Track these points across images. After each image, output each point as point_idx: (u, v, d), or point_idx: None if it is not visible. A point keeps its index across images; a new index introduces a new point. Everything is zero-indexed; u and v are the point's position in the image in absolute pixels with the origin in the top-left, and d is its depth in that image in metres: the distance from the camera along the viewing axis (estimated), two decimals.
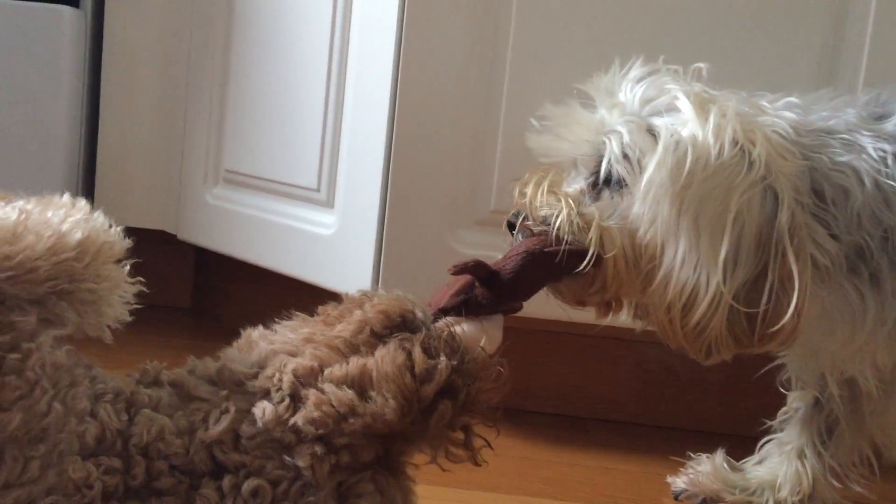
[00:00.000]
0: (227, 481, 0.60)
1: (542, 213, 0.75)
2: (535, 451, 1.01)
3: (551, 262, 0.73)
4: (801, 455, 0.89)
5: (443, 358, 0.64)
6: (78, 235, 0.62)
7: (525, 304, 0.77)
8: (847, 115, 0.75)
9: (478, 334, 0.71)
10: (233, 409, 0.62)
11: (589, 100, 0.79)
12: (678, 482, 0.93)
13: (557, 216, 0.74)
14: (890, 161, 0.71)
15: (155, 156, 1.34)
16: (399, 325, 0.67)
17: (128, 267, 0.71)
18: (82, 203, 0.67)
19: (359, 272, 1.06)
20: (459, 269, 0.72)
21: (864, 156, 0.72)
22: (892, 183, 0.71)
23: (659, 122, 0.73)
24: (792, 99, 0.76)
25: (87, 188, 1.38)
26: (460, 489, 0.85)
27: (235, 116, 1.25)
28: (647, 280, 0.73)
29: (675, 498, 0.92)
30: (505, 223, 0.79)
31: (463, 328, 0.70)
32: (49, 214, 0.64)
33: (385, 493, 0.64)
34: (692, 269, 0.69)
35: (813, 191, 0.72)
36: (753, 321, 0.69)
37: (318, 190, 1.13)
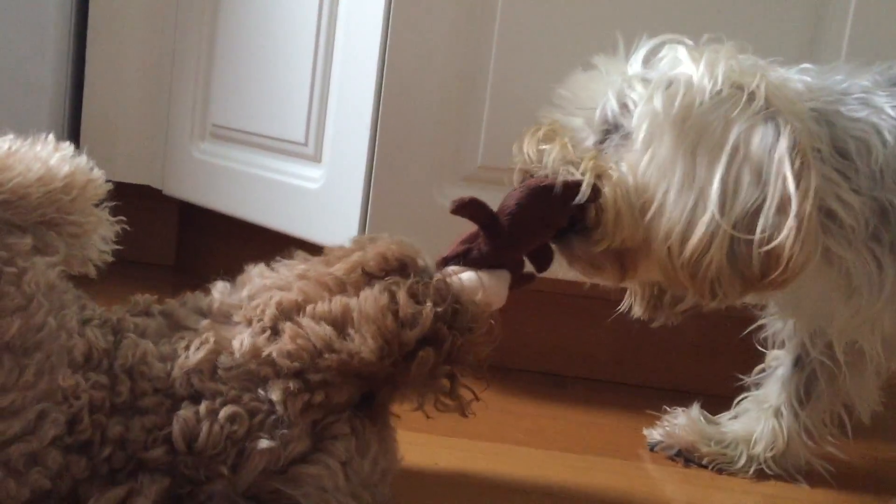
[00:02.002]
0: (203, 407, 0.62)
1: (539, 152, 0.75)
2: (517, 405, 1.02)
3: (549, 196, 0.72)
4: (777, 413, 0.91)
5: (429, 304, 0.65)
6: (66, 169, 0.67)
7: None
8: (861, 80, 0.75)
9: (475, 286, 0.71)
10: (212, 340, 0.64)
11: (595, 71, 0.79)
12: (654, 434, 0.94)
13: (550, 151, 0.74)
14: None
15: (141, 110, 1.34)
16: (395, 269, 0.68)
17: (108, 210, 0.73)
18: (66, 144, 0.71)
19: (345, 226, 1.07)
20: (458, 206, 0.72)
21: (882, 114, 0.72)
22: None
23: (654, 73, 0.74)
24: (806, 65, 0.77)
25: (73, 142, 1.37)
26: (442, 436, 0.86)
27: (223, 70, 1.25)
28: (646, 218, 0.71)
29: (651, 449, 0.94)
30: (515, 179, 0.78)
31: (460, 278, 0.71)
32: (38, 149, 0.66)
33: (360, 437, 0.66)
34: (687, 198, 0.69)
35: (833, 146, 0.71)
36: (754, 250, 0.68)
37: (305, 144, 1.14)
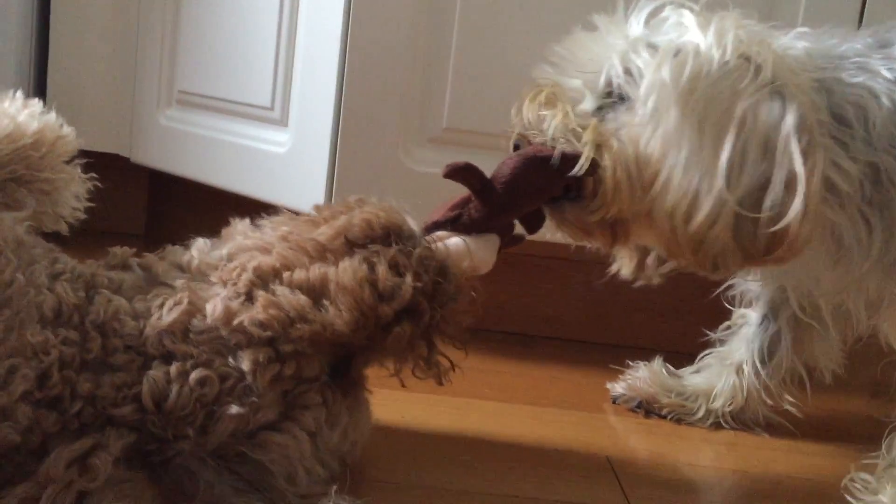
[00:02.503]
0: (174, 368, 0.61)
1: (538, 118, 0.74)
2: (483, 364, 1.04)
3: (546, 166, 0.71)
4: (739, 370, 0.92)
5: (408, 278, 0.64)
6: (34, 125, 0.66)
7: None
8: (855, 43, 0.74)
9: (462, 252, 0.70)
10: (186, 301, 0.63)
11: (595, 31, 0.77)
12: (617, 387, 0.97)
13: (551, 119, 0.73)
14: None
15: (107, 78, 1.33)
16: (380, 237, 0.66)
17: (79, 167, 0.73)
18: (35, 101, 0.70)
19: (312, 189, 1.08)
20: (451, 170, 0.70)
21: (878, 78, 0.71)
22: None
23: (661, 38, 0.72)
24: (802, 29, 0.76)
25: None
26: (407, 392, 0.87)
27: (189, 36, 1.24)
28: (648, 192, 0.71)
29: (614, 402, 0.96)
30: (511, 144, 0.77)
31: (446, 245, 0.69)
32: (6, 105, 0.66)
33: (331, 408, 0.66)
34: (694, 173, 0.68)
35: (832, 114, 0.71)
36: (760, 228, 0.68)
37: (271, 108, 1.14)
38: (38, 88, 1.35)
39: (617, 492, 0.76)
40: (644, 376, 0.95)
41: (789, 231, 0.67)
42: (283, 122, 1.13)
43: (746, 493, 0.81)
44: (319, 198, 1.07)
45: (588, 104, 0.75)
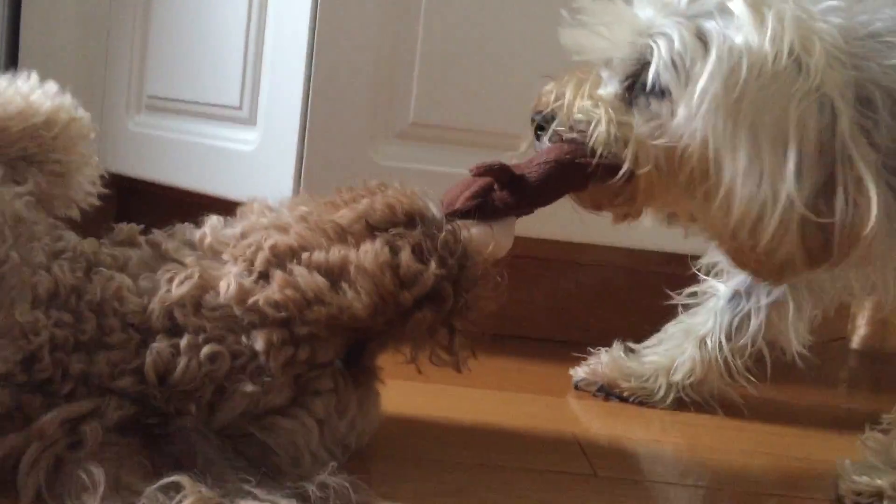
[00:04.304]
0: (185, 340, 0.59)
1: (578, 117, 0.71)
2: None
3: (581, 175, 0.70)
4: (702, 344, 0.93)
5: (432, 264, 0.62)
6: (47, 105, 0.65)
7: None
8: (885, 17, 0.71)
9: (485, 239, 0.68)
10: (197, 276, 0.61)
11: None
12: (579, 372, 0.99)
13: (596, 126, 0.70)
14: None
15: (76, 86, 1.32)
16: (404, 222, 0.64)
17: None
18: (51, 83, 0.69)
19: (280, 186, 1.09)
20: (482, 171, 0.69)
21: None
22: None
23: (710, 25, 0.67)
24: (833, 2, 0.71)
25: None
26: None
27: (158, 41, 1.26)
28: (687, 191, 0.69)
29: (575, 386, 0.99)
30: (533, 125, 0.74)
31: (471, 232, 0.67)
32: (19, 84, 0.66)
33: (341, 395, 0.64)
34: (756, 182, 0.65)
35: (858, 98, 0.67)
36: (827, 233, 0.66)
37: (240, 108, 1.15)
38: None
39: (584, 463, 0.77)
40: (604, 361, 0.97)
41: (862, 233, 0.65)
42: (251, 120, 1.14)
43: (709, 467, 0.82)
44: (287, 194, 1.08)
45: (618, 83, 0.71)
